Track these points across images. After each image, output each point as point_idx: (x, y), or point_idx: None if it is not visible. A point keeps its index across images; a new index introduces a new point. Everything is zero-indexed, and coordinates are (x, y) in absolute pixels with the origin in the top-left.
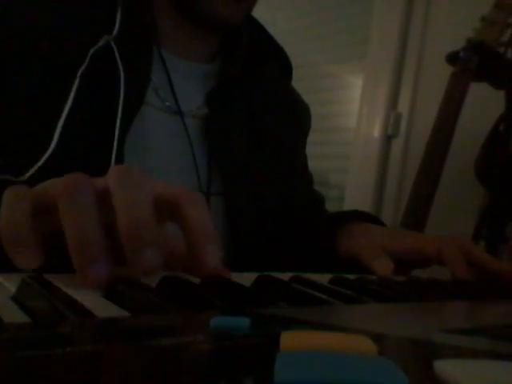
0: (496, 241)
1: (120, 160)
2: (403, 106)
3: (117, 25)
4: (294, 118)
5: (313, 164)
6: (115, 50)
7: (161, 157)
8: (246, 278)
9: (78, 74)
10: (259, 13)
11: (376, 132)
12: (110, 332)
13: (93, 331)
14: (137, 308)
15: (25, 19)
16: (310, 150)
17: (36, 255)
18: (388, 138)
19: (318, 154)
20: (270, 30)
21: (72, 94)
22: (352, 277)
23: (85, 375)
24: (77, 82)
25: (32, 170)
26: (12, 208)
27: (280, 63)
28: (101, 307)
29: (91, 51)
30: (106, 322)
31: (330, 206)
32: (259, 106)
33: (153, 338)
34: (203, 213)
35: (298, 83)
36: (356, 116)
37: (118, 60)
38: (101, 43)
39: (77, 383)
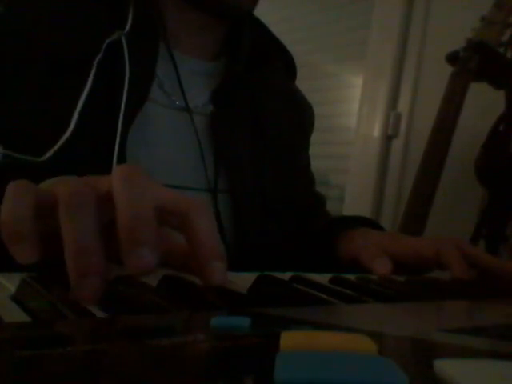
0: (496, 241)
1: (122, 154)
2: (403, 106)
3: (129, 21)
4: (297, 117)
5: (313, 164)
6: (124, 46)
7: (167, 152)
8: (246, 278)
9: (95, 62)
10: (259, 12)
11: (376, 132)
12: (110, 332)
13: (93, 331)
14: (137, 308)
15: (37, 16)
16: (310, 149)
17: (34, 251)
18: (388, 138)
19: (317, 153)
20: (270, 29)
21: (89, 82)
22: (352, 277)
23: (85, 375)
24: (93, 70)
25: (48, 154)
26: (15, 202)
27: (284, 63)
28: None
29: (107, 41)
30: (106, 322)
31: (331, 206)
32: (263, 105)
33: (153, 337)
34: (211, 226)
35: (298, 83)
36: (356, 116)
37: (126, 56)
38: (114, 37)
39: (77, 383)
